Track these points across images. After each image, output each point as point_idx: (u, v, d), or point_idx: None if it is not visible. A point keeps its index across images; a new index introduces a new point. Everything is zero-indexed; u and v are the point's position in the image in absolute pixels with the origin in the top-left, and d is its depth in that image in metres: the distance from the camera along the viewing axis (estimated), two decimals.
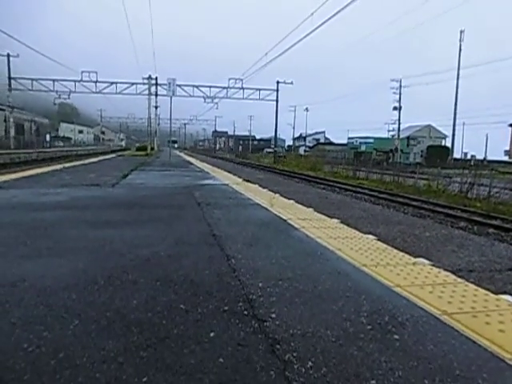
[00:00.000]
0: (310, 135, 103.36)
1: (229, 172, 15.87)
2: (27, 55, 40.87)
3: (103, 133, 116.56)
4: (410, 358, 1.75)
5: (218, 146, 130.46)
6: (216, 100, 45.64)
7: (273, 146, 60.03)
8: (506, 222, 12.51)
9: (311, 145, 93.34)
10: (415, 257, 3.42)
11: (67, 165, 16.48)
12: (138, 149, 50.79)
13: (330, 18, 18.74)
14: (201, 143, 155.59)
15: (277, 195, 7.66)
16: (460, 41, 49.34)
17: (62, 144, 73.38)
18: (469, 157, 62.58)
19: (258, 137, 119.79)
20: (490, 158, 59.53)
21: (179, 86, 40.31)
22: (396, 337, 1.94)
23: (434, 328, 2.05)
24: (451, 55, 49.25)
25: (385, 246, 3.74)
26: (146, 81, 40.80)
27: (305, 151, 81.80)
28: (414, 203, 15.81)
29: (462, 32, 49.51)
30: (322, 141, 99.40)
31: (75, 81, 40.89)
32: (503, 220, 12.76)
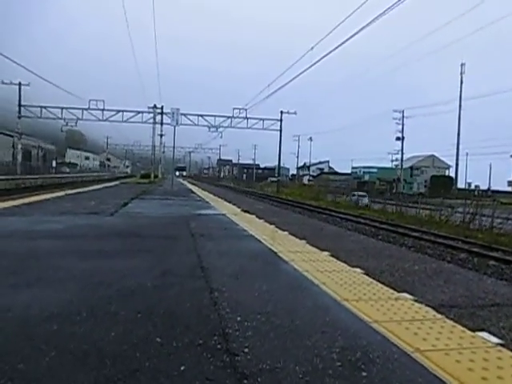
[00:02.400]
0: (314, 164, 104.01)
1: (229, 202, 15.95)
2: (37, 83, 42.02)
3: (109, 159, 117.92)
4: None
5: (222, 174, 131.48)
6: (220, 129, 46.32)
7: (276, 175, 60.43)
8: (507, 253, 12.43)
9: (315, 174, 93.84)
10: (399, 291, 3.44)
11: (70, 191, 16.67)
12: (142, 176, 51.31)
13: (328, 54, 19.27)
14: (205, 171, 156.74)
15: (272, 226, 7.71)
16: (461, 74, 50.26)
17: (67, 170, 74.29)
18: (473, 187, 62.49)
19: (262, 165, 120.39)
20: (493, 188, 59.56)
21: (184, 114, 40.98)
22: (364, 374, 1.96)
23: (404, 366, 2.07)
24: (455, 86, 50.07)
25: (370, 279, 3.76)
26: (151, 109, 41.61)
27: (309, 180, 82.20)
28: (415, 234, 15.76)
29: (462, 65, 50.51)
30: (326, 170, 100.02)
31: (83, 109, 41.76)
32: (505, 252, 12.67)
